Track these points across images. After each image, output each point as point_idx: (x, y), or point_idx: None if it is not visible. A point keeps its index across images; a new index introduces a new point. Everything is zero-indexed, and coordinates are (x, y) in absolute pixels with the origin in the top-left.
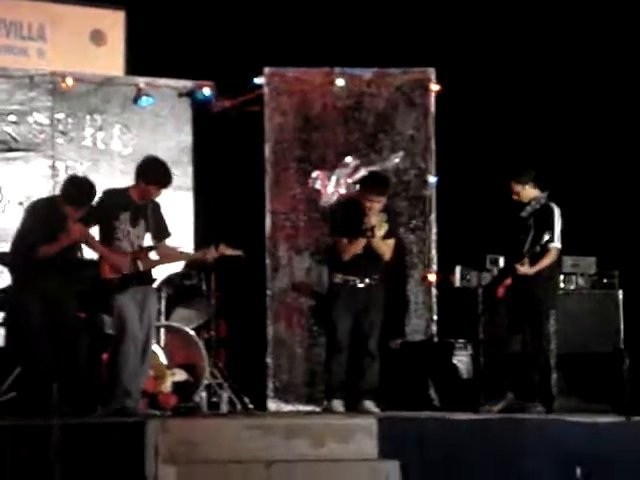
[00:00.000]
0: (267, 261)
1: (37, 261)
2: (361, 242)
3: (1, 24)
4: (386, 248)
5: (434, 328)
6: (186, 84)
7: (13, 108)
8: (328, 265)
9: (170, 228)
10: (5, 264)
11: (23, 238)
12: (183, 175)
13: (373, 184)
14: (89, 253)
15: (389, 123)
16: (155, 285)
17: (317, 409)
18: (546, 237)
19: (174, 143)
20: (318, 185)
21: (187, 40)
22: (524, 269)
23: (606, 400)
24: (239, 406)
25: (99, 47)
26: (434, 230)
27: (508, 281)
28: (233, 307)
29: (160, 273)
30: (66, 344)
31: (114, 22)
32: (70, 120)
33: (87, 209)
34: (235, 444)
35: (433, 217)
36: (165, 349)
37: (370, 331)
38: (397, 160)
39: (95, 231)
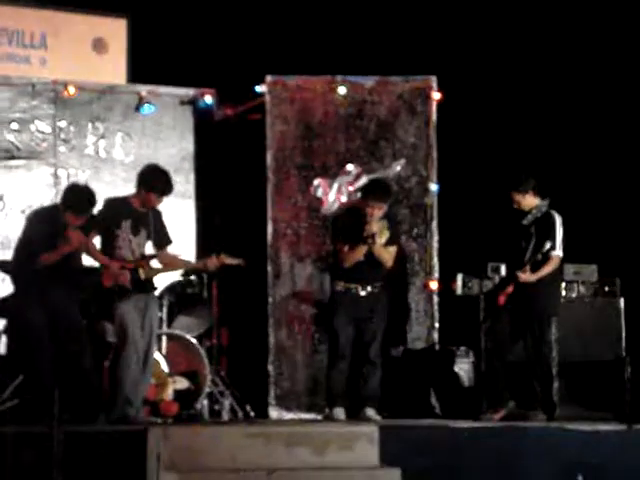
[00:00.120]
0: (269, 269)
1: (39, 269)
2: (362, 249)
3: (3, 32)
4: (387, 255)
5: (435, 336)
6: (188, 92)
7: (15, 116)
8: (330, 273)
9: (172, 236)
10: (7, 272)
11: (25, 246)
12: (185, 183)
13: (374, 191)
14: (91, 261)
15: (391, 131)
16: (157, 293)
17: (319, 417)
18: (547, 245)
19: (176, 151)
20: (320, 193)
21: (189, 48)
22: (525, 276)
23: (608, 408)
24: (241, 414)
25: (101, 55)
26: (436, 238)
27: (510, 289)
28: (235, 315)
29: (162, 281)
30: (68, 352)
31: (116, 30)
32: (72, 128)
33: (88, 217)
34: (237, 452)
35: (435, 225)
36: (167, 357)
37: (372, 339)
38: (399, 168)
39: (97, 239)
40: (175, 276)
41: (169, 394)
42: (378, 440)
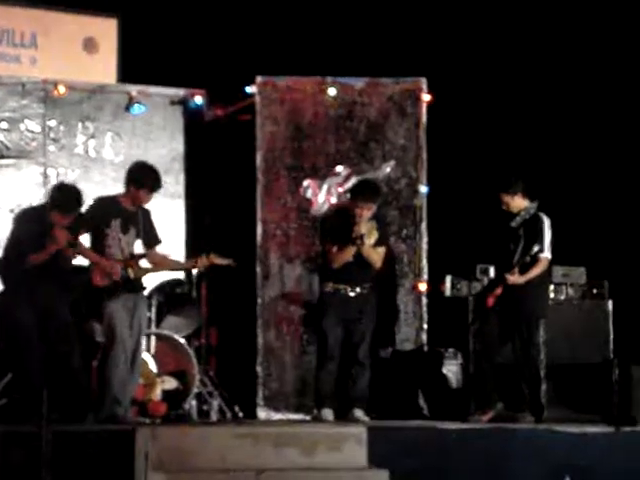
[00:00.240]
0: (258, 269)
1: (27, 269)
2: (351, 250)
3: None
4: (376, 256)
5: (424, 337)
6: (178, 92)
7: (5, 115)
8: (318, 274)
9: (161, 235)
10: None
11: (13, 246)
12: (175, 183)
13: (363, 191)
14: (80, 260)
15: (380, 132)
16: (146, 293)
17: (307, 418)
18: (536, 247)
19: (166, 151)
20: (309, 194)
21: (179, 48)
22: (514, 279)
23: (595, 410)
24: (229, 414)
25: (91, 55)
26: (425, 239)
27: (498, 291)
28: (223, 315)
29: (151, 281)
30: (57, 351)
31: (106, 30)
32: (62, 128)
33: (75, 216)
34: (225, 452)
35: (424, 226)
36: (155, 357)
37: (360, 340)
38: (388, 169)
39: (86, 238)
40: (164, 276)
41: (157, 394)
42: (366, 441)
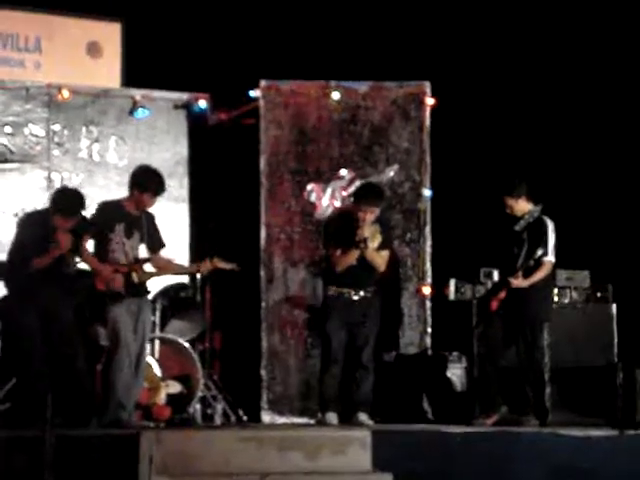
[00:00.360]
0: (262, 273)
1: (31, 273)
2: (354, 253)
3: None
4: (380, 260)
5: (428, 341)
6: (182, 96)
7: (9, 120)
8: (322, 277)
9: (165, 240)
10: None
11: (17, 250)
12: (179, 187)
13: (366, 195)
14: (83, 263)
15: (384, 136)
16: (150, 297)
17: (311, 421)
18: (540, 251)
19: (170, 155)
20: (313, 198)
21: (183, 52)
22: (518, 282)
23: (600, 414)
24: (233, 418)
25: (95, 59)
26: (429, 243)
27: (502, 294)
28: (228, 319)
29: (155, 285)
30: (61, 355)
31: (110, 34)
32: (66, 132)
33: (78, 219)
34: (229, 456)
35: (428, 230)
36: (159, 361)
37: (364, 344)
38: (392, 173)
39: (90, 243)
40: (168, 280)
41: (162, 398)
42: (370, 445)
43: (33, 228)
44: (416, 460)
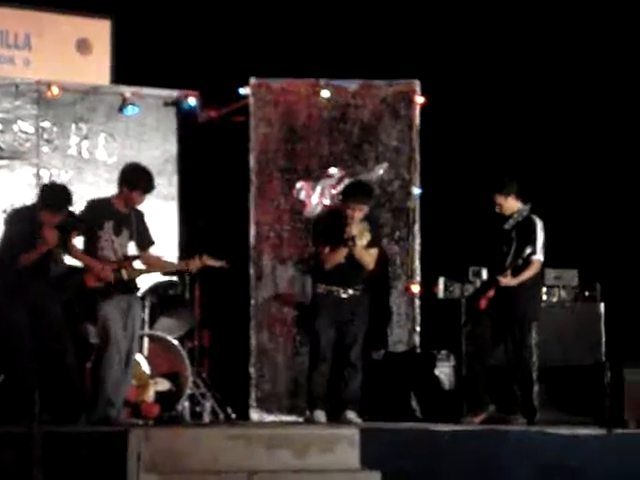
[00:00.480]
0: (251, 271)
1: (19, 269)
2: (343, 251)
3: None
4: (369, 258)
5: (417, 339)
6: (171, 94)
7: None
8: (311, 275)
9: (154, 237)
10: None
11: (4, 247)
12: (168, 184)
13: (355, 192)
14: (73, 260)
15: (374, 134)
16: (139, 294)
17: (299, 419)
18: (528, 250)
19: (159, 152)
20: (302, 196)
21: (173, 50)
22: (507, 281)
23: (587, 412)
24: (222, 416)
25: (85, 56)
26: (418, 241)
27: (491, 293)
28: (216, 317)
29: (144, 282)
30: (50, 350)
31: (100, 31)
32: (55, 129)
33: (65, 214)
34: (218, 454)
35: (417, 228)
36: (148, 358)
37: (353, 342)
38: (381, 171)
39: (79, 241)
40: (157, 277)
41: (150, 395)
42: (359, 443)
43: (21, 224)
44: (404, 458)
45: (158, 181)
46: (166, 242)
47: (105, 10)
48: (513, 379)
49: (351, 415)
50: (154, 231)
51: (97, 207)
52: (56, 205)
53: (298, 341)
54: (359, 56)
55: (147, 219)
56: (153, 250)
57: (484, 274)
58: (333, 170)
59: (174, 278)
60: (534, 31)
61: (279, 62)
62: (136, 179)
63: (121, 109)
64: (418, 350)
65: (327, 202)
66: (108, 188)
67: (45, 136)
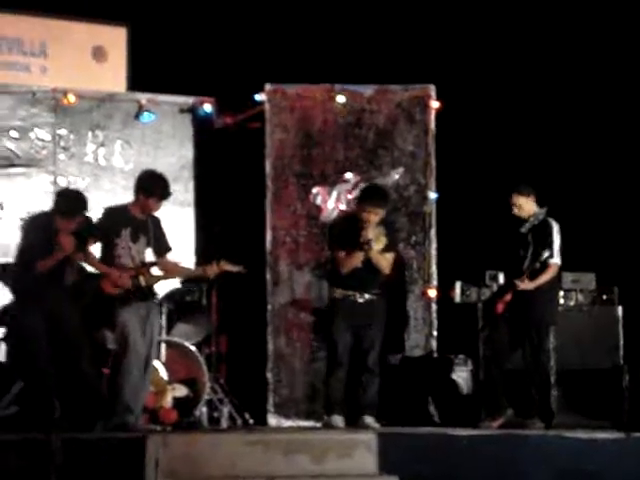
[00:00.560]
0: (267, 276)
1: (37, 276)
2: (359, 255)
3: (3, 41)
4: (385, 262)
5: (434, 344)
6: (187, 100)
7: (15, 124)
8: (328, 280)
9: (171, 243)
10: (6, 279)
11: (22, 253)
12: (184, 191)
13: (371, 196)
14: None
15: (389, 139)
16: (157, 300)
17: (317, 424)
18: (546, 254)
19: (175, 159)
20: (318, 201)
21: (188, 56)
22: (524, 284)
23: (606, 416)
24: (239, 421)
25: (101, 63)
26: (434, 245)
27: (508, 297)
28: (234, 322)
29: (161, 289)
30: (68, 357)
31: (116, 38)
32: (72, 136)
33: (80, 220)
34: (235, 459)
35: (433, 233)
36: (166, 364)
37: (370, 347)
38: (397, 176)
39: (97, 248)
40: (174, 284)
41: (168, 402)
42: (376, 448)
43: (37, 231)
44: (422, 463)
45: (174, 187)
46: (183, 248)
47: (121, 17)
48: (531, 383)
49: (369, 420)
50: (171, 237)
51: (114, 214)
52: (70, 211)
53: (315, 346)
54: (374, 61)
55: (164, 225)
56: (170, 256)
57: (501, 278)
58: (349, 175)
59: (191, 284)
60: (550, 36)
61: (294, 68)
62: (152, 186)
63: (137, 116)
64: (435, 355)
65: (343, 207)
66: (125, 195)
67: (62, 144)
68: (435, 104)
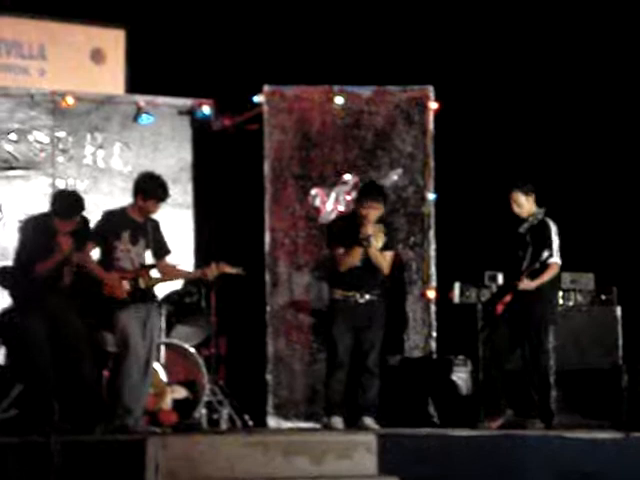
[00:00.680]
0: (266, 278)
1: (36, 278)
2: (358, 252)
3: (2, 43)
4: (384, 260)
5: (433, 344)
6: (186, 102)
7: (14, 127)
8: (328, 281)
9: (170, 246)
10: (5, 281)
11: (20, 256)
12: (183, 193)
13: (369, 191)
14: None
15: (388, 140)
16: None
17: (317, 426)
18: (546, 253)
19: (174, 161)
20: (317, 202)
21: (187, 59)
22: (525, 284)
23: (605, 416)
24: (239, 423)
25: (99, 66)
26: (433, 246)
27: (507, 298)
28: (233, 324)
29: (160, 291)
30: (68, 359)
31: (114, 41)
32: (70, 138)
33: (77, 221)
34: (235, 461)
35: (432, 233)
36: (165, 366)
37: (370, 348)
38: (396, 177)
39: (96, 252)
40: (174, 286)
41: (167, 403)
42: (376, 449)
43: (35, 233)
44: (422, 464)
45: (173, 189)
46: (182, 250)
47: (119, 20)
48: (530, 383)
49: (368, 421)
50: (169, 239)
51: (113, 217)
52: (66, 212)
53: (315, 347)
54: (372, 63)
55: (163, 228)
56: (169, 259)
57: (500, 279)
58: (348, 176)
59: (190, 286)
60: (548, 37)
61: (293, 69)
62: (150, 188)
63: (136, 118)
64: (435, 356)
65: (342, 208)
66: (123, 197)
67: (60, 146)
68: (433, 105)
